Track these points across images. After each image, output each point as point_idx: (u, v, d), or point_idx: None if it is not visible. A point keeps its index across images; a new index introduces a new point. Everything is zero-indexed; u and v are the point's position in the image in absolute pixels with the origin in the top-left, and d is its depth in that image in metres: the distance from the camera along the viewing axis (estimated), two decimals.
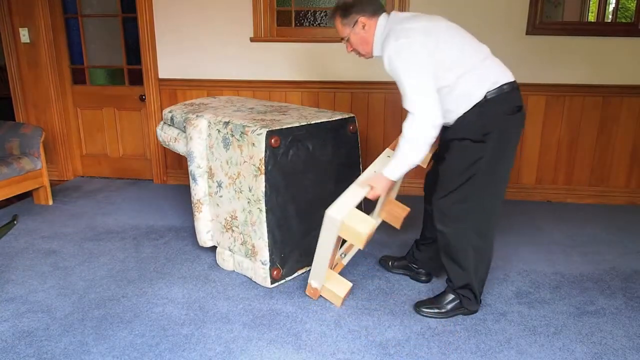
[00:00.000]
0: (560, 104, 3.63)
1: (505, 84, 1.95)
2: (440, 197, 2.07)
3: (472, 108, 1.95)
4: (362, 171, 2.82)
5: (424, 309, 2.20)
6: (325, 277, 2.25)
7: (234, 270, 2.62)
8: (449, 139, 2.04)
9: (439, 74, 1.91)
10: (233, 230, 2.53)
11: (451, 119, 2.01)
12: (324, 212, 2.60)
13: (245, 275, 2.56)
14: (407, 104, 1.89)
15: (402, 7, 3.57)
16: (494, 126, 1.94)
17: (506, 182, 2.09)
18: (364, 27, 2.06)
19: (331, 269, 2.34)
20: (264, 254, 2.39)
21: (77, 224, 3.30)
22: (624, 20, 3.61)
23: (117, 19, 4.11)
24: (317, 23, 3.88)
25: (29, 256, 2.81)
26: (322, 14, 3.86)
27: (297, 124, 2.40)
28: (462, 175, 1.99)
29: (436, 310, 2.18)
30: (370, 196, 2.09)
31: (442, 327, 2.12)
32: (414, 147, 1.92)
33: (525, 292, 2.41)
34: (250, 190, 2.37)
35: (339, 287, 2.27)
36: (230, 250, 2.59)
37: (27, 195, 3.76)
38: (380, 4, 2.11)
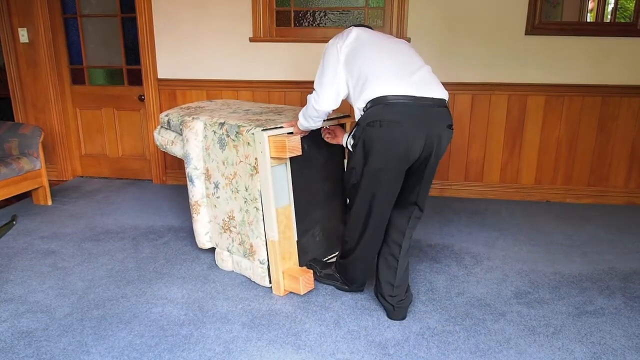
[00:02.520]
0: (560, 104, 3.63)
1: (377, 97, 1.91)
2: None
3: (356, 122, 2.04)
4: None
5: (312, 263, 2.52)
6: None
7: (233, 271, 2.62)
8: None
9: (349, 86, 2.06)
10: (231, 231, 2.53)
11: None
12: (321, 211, 2.61)
13: (244, 275, 2.56)
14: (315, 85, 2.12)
15: (402, 8, 3.58)
16: (359, 138, 1.99)
17: (376, 197, 2.06)
18: None
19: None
20: (262, 253, 2.39)
21: (76, 224, 3.30)
22: (623, 20, 3.61)
23: (116, 19, 4.11)
24: (316, 23, 3.88)
25: (28, 256, 2.81)
26: (322, 14, 3.86)
27: None
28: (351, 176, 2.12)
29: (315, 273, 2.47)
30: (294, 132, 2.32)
31: (442, 327, 2.12)
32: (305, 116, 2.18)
33: (525, 292, 2.41)
34: (246, 190, 2.37)
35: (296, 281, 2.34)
36: (228, 250, 2.59)
37: (26, 195, 3.75)
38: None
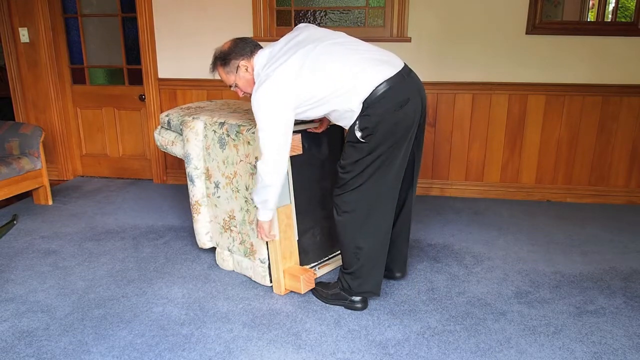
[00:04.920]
0: (560, 103, 3.63)
1: (380, 84, 1.91)
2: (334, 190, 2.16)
3: (356, 118, 1.98)
4: None
5: (317, 287, 2.35)
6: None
7: (233, 270, 2.62)
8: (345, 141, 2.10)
9: (310, 106, 1.99)
10: (231, 230, 2.53)
11: (344, 125, 2.08)
12: (320, 210, 2.61)
13: (244, 275, 2.56)
14: (260, 150, 2.00)
15: (402, 8, 3.57)
16: (376, 126, 1.94)
17: (392, 184, 2.08)
18: (246, 69, 2.10)
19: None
20: (263, 252, 2.39)
21: (76, 223, 3.30)
22: (623, 20, 3.60)
23: (116, 19, 4.11)
24: (317, 23, 3.87)
25: (29, 256, 2.81)
26: (322, 13, 3.86)
27: None
28: (351, 172, 2.05)
29: (322, 295, 2.31)
30: (266, 239, 2.26)
31: (442, 326, 2.12)
32: (262, 193, 2.05)
33: (525, 292, 2.41)
34: (247, 189, 2.37)
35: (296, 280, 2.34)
36: (229, 250, 2.59)
37: (26, 195, 3.76)
38: (255, 43, 2.13)
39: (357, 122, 1.96)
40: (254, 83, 2.08)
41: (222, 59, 2.12)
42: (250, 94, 2.08)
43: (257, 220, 2.19)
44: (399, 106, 1.94)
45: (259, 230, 2.22)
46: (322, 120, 2.38)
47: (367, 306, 2.24)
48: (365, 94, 1.92)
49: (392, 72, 1.94)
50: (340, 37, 2.07)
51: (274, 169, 1.98)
